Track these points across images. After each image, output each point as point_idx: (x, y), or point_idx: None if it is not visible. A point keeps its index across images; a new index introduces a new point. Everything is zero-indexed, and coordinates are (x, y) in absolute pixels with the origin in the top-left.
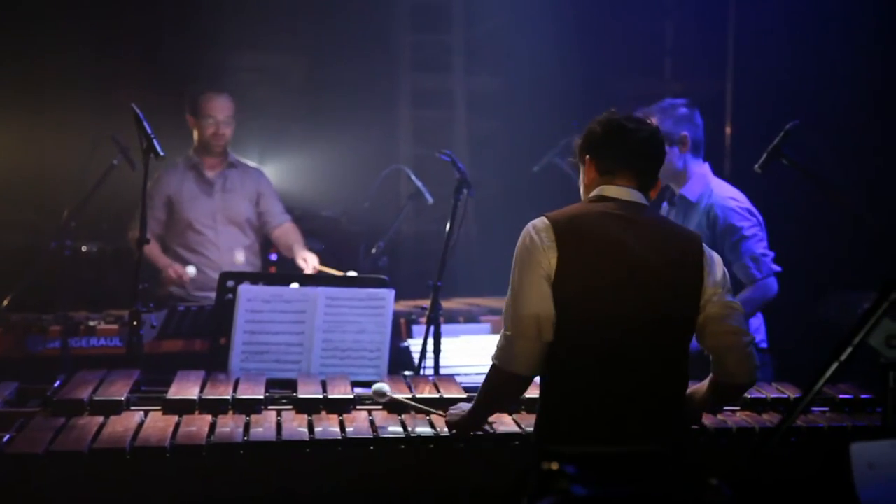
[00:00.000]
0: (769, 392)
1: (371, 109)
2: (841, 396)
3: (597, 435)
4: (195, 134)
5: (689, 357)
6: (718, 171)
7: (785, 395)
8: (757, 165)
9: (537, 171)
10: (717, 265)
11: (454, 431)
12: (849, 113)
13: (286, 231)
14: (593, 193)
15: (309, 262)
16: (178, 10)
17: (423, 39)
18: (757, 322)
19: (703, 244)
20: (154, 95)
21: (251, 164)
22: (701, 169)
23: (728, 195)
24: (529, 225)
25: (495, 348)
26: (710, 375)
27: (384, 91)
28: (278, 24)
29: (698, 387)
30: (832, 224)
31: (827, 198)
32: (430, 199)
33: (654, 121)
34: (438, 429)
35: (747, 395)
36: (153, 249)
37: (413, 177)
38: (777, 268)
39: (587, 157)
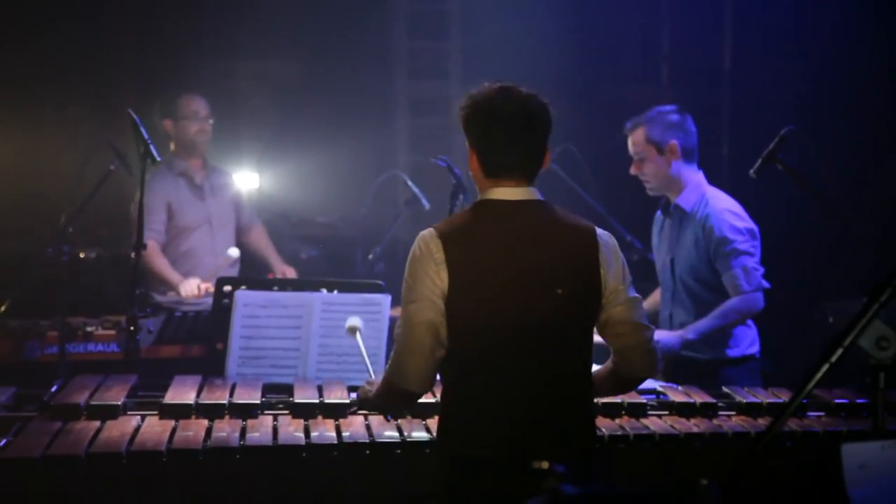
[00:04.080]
0: (765, 397)
1: (368, 116)
2: (837, 401)
3: (499, 441)
4: (173, 139)
5: (591, 355)
6: (716, 179)
7: (780, 400)
8: (752, 171)
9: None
10: (613, 257)
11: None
12: (846, 119)
13: (259, 233)
14: (480, 198)
15: (288, 276)
16: (176, 18)
17: (420, 46)
18: (752, 333)
19: (598, 237)
20: (150, 102)
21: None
22: (696, 177)
23: (724, 207)
24: (419, 236)
25: (389, 360)
26: (611, 365)
27: (381, 98)
28: (275, 32)
29: (597, 371)
30: (828, 231)
31: (820, 204)
32: (427, 205)
33: (642, 129)
34: (434, 433)
35: (743, 399)
36: (161, 262)
37: (410, 183)
38: (766, 284)
39: (470, 147)
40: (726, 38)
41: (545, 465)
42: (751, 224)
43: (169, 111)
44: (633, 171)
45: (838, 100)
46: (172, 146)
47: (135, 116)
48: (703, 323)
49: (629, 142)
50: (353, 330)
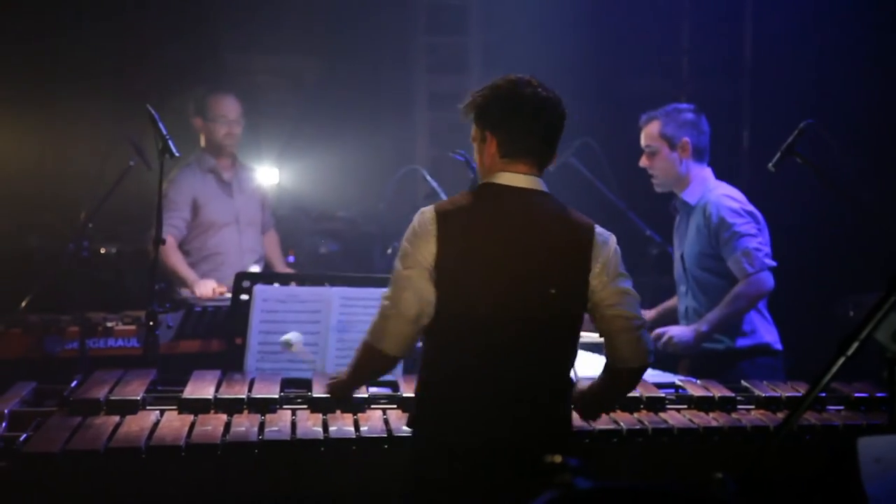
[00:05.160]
0: (784, 391)
1: (387, 111)
2: (856, 395)
3: (473, 427)
4: (203, 136)
5: (574, 348)
6: (736, 172)
7: (799, 394)
8: (771, 164)
9: (552, 170)
10: (607, 252)
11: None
12: (866, 113)
13: (271, 239)
14: (486, 181)
15: None
16: (195, 13)
17: (439, 41)
18: (767, 323)
19: (597, 234)
20: (170, 97)
21: (248, 164)
22: (702, 173)
23: (724, 193)
24: (419, 211)
25: (371, 324)
26: (605, 363)
27: (400, 93)
28: (295, 27)
29: (593, 382)
30: (849, 224)
31: (840, 197)
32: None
33: (657, 123)
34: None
35: (762, 393)
36: (176, 258)
37: (428, 177)
38: (771, 262)
39: (488, 133)
40: (746, 33)
41: (558, 458)
42: (750, 207)
43: (199, 110)
44: (642, 163)
45: (858, 93)
46: (203, 142)
47: (153, 112)
48: (715, 313)
49: (642, 134)
50: (287, 344)
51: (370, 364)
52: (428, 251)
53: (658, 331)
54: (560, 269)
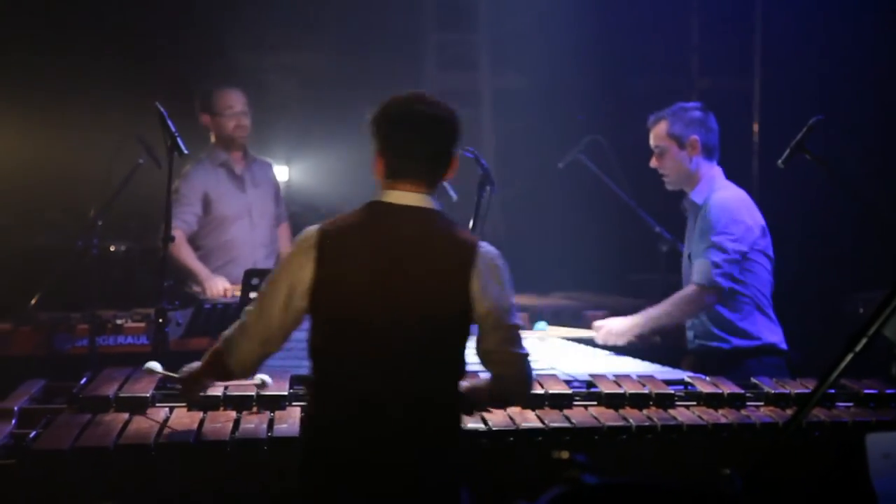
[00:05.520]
0: (793, 387)
1: None
2: (865, 391)
3: (356, 443)
4: (212, 133)
5: (460, 363)
6: (746, 169)
7: (808, 391)
8: (780, 161)
9: (562, 167)
10: (493, 277)
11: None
12: (876, 110)
13: (282, 231)
14: (372, 199)
15: None
16: (205, 10)
17: (449, 38)
18: (772, 325)
19: (480, 254)
20: (179, 95)
21: (261, 158)
22: (711, 172)
23: (725, 195)
24: (304, 230)
25: (229, 328)
26: (491, 381)
27: (409, 90)
28: (304, 24)
29: (481, 383)
30: (858, 221)
31: (848, 194)
32: (454, 196)
33: (664, 123)
34: (463, 424)
35: (771, 390)
36: (186, 253)
37: None
38: (722, 283)
39: (376, 150)
40: (756, 29)
41: (565, 454)
42: (746, 219)
43: (206, 106)
44: (652, 163)
45: (867, 89)
46: (213, 138)
47: (162, 110)
48: (655, 308)
49: (651, 135)
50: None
51: (214, 370)
52: (304, 272)
53: (597, 323)
54: (440, 286)
